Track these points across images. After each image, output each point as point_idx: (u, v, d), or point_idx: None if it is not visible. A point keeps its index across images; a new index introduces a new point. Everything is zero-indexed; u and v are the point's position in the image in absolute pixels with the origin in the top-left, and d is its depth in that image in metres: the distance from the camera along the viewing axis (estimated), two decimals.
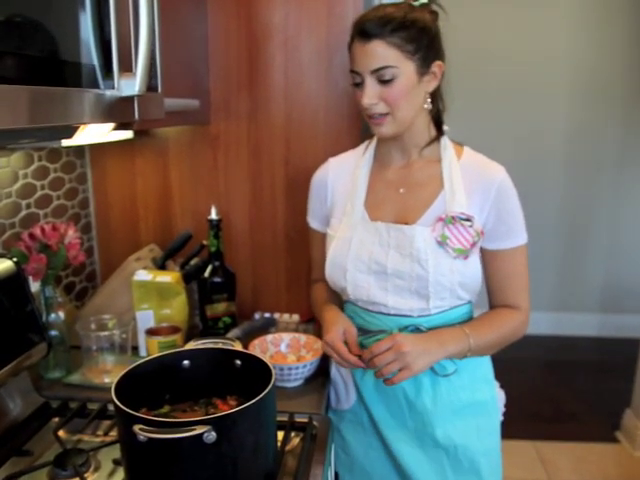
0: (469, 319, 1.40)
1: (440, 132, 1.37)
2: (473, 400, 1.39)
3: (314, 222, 1.52)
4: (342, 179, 1.44)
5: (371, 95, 1.24)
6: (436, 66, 1.28)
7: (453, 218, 1.28)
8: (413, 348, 1.20)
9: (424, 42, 1.24)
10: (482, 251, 1.35)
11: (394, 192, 1.37)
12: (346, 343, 1.30)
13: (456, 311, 1.37)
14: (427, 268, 1.28)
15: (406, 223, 1.32)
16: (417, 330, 1.33)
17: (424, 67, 1.25)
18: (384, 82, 1.23)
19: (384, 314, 1.36)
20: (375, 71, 1.23)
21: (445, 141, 1.37)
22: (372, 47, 1.21)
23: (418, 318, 1.34)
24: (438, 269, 1.28)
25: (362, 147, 1.47)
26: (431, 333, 1.29)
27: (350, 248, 1.35)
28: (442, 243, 1.27)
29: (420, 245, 1.28)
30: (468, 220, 1.28)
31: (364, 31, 1.22)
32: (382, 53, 1.21)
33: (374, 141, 1.44)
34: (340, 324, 1.33)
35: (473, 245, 1.29)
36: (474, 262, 1.32)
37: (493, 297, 1.39)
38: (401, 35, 1.21)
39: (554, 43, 3.99)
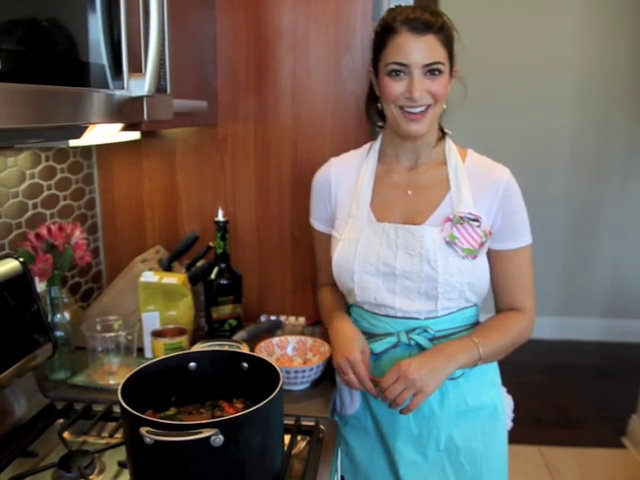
0: (475, 322, 1.40)
1: (443, 133, 1.39)
2: (479, 403, 1.39)
3: (318, 223, 1.50)
4: (345, 180, 1.43)
5: (420, 88, 1.24)
6: (455, 70, 1.32)
7: (461, 218, 1.28)
8: (420, 372, 1.20)
9: (453, 46, 1.28)
10: (489, 252, 1.35)
11: (401, 194, 1.37)
12: None
13: (463, 313, 1.36)
14: (436, 268, 1.27)
15: (414, 224, 1.32)
16: (425, 333, 1.32)
17: (451, 69, 1.29)
18: (431, 76, 1.24)
19: (391, 317, 1.36)
20: (427, 65, 1.23)
21: (449, 144, 1.38)
22: (427, 41, 1.23)
23: (425, 320, 1.33)
24: (447, 269, 1.28)
25: (365, 148, 1.46)
26: (437, 348, 1.28)
27: (357, 250, 1.34)
28: (451, 243, 1.28)
29: (429, 245, 1.28)
30: (476, 220, 1.29)
31: (419, 24, 1.22)
32: (435, 48, 1.23)
33: (377, 143, 1.43)
34: (359, 342, 1.31)
35: (481, 245, 1.29)
36: (482, 262, 1.32)
37: (500, 299, 1.39)
38: (446, 34, 1.25)
39: (558, 47, 3.98)
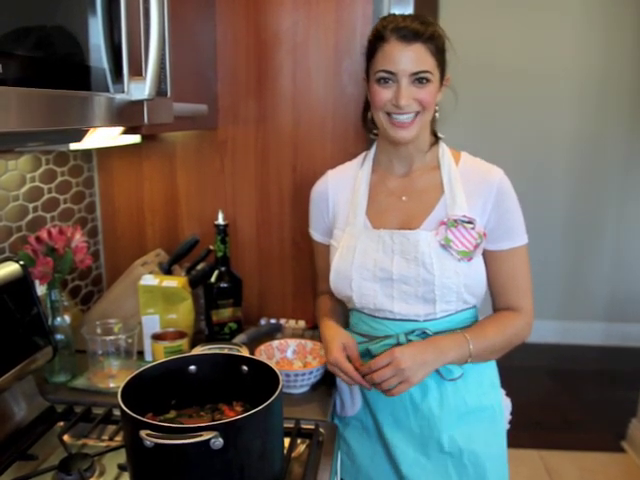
0: (473, 323, 1.41)
1: (437, 138, 1.41)
2: (479, 405, 1.39)
3: (316, 234, 1.52)
4: (342, 190, 1.44)
5: (407, 96, 1.25)
6: (446, 79, 1.33)
7: (455, 221, 1.30)
8: (412, 363, 1.22)
9: (444, 55, 1.29)
10: (484, 252, 1.36)
11: (396, 200, 1.39)
12: (349, 358, 1.30)
13: (461, 315, 1.37)
14: (433, 271, 1.28)
15: (409, 229, 1.33)
16: (423, 334, 1.33)
17: (442, 78, 1.31)
18: (419, 84, 1.26)
19: (390, 319, 1.36)
20: (415, 73, 1.24)
21: (443, 147, 1.40)
22: (415, 50, 1.24)
23: (424, 322, 1.34)
24: (444, 272, 1.29)
25: (360, 158, 1.49)
26: (430, 341, 1.29)
27: (354, 257, 1.35)
28: (446, 246, 1.29)
29: (425, 249, 1.29)
30: (470, 222, 1.30)
31: (408, 32, 1.23)
32: (423, 57, 1.25)
33: (372, 152, 1.46)
34: (338, 340, 1.33)
35: (476, 247, 1.30)
36: (478, 264, 1.34)
37: (496, 299, 1.40)
38: (435, 44, 1.27)
39: (558, 52, 3.99)
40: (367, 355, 1.36)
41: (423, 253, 1.29)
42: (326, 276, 1.45)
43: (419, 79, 1.26)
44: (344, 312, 1.50)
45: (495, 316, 1.39)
